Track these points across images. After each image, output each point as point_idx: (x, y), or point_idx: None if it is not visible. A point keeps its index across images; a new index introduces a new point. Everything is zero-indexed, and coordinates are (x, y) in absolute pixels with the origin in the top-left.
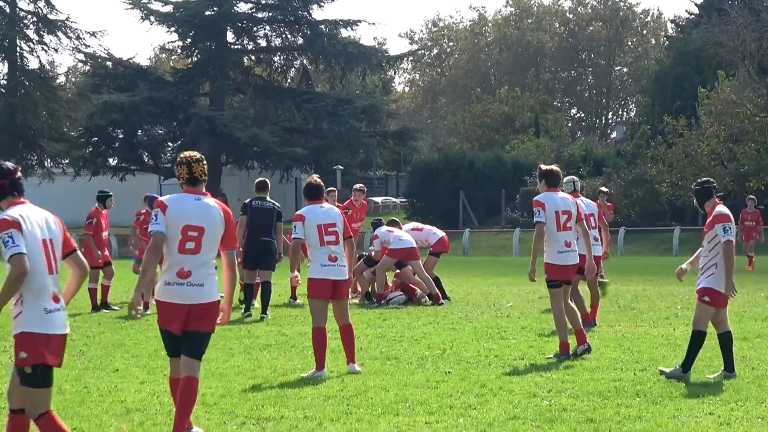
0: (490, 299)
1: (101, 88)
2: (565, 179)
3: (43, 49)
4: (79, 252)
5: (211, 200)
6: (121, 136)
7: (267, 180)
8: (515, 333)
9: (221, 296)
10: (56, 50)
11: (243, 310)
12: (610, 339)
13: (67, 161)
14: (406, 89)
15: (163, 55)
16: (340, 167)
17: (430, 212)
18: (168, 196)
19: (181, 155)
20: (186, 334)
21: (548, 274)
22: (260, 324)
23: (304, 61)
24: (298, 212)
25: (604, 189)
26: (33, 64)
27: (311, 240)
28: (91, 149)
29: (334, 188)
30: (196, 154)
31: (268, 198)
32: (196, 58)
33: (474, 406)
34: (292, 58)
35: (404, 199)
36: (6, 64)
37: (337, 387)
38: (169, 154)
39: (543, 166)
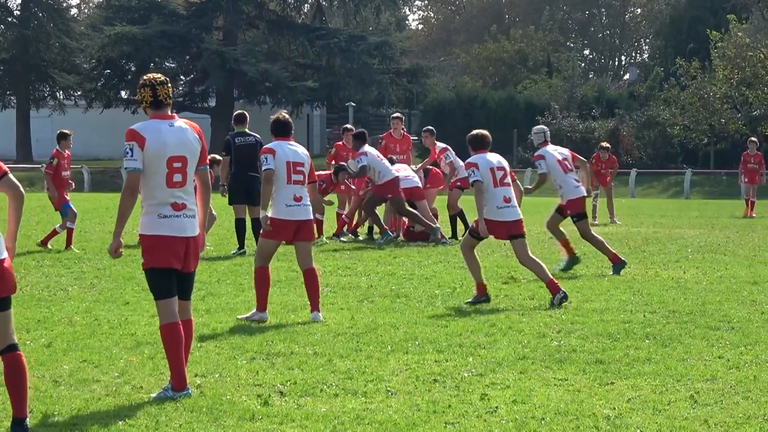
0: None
1: (114, 21)
2: (535, 129)
3: None
4: (10, 175)
5: (182, 122)
6: (133, 68)
7: (245, 112)
8: (525, 273)
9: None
10: None
11: (238, 248)
12: (620, 281)
13: (79, 93)
14: (420, 27)
15: None
16: (353, 104)
17: None
18: (139, 124)
19: (144, 77)
20: (182, 275)
21: (483, 231)
22: (273, 260)
23: None
24: (266, 146)
25: (604, 145)
26: None
27: (278, 178)
28: (103, 82)
29: (400, 115)
30: (160, 76)
31: (248, 131)
32: None
33: (483, 346)
34: None
35: (416, 137)
36: None
37: (347, 324)
38: (181, 88)
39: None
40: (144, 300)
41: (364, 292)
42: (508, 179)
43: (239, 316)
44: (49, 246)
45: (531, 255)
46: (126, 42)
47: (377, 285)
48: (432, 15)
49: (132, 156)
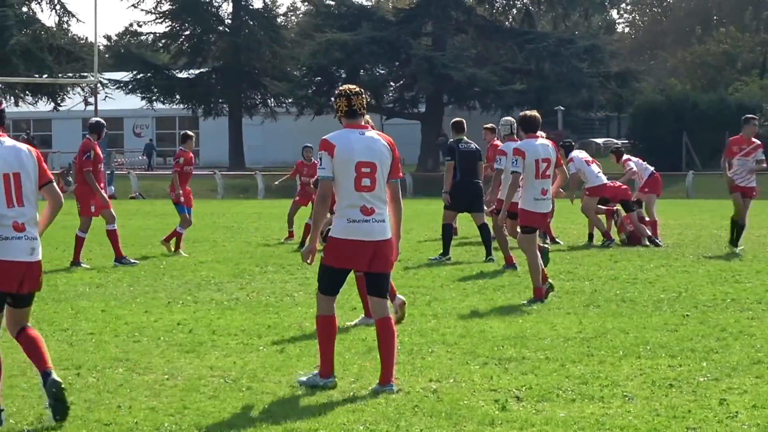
0: (720, 242)
1: (324, 28)
2: (501, 120)
3: None
4: (54, 184)
5: (374, 133)
6: (343, 75)
7: (463, 120)
8: (750, 277)
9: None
10: None
11: (441, 253)
12: None
13: (290, 100)
14: (626, 30)
15: None
16: (561, 108)
17: (651, 154)
18: (331, 134)
19: (340, 88)
20: (372, 275)
21: (522, 220)
22: (492, 264)
23: (526, 1)
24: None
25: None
26: (257, 3)
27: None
28: (313, 89)
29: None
30: (355, 87)
31: (466, 138)
32: None
33: (716, 350)
34: None
35: (625, 141)
36: (231, 4)
37: (576, 329)
38: (390, 94)
39: (523, 113)
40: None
41: (588, 297)
42: (550, 171)
43: (349, 323)
44: (182, 252)
45: (537, 251)
46: (336, 49)
47: (601, 289)
48: (638, 18)
49: (322, 165)
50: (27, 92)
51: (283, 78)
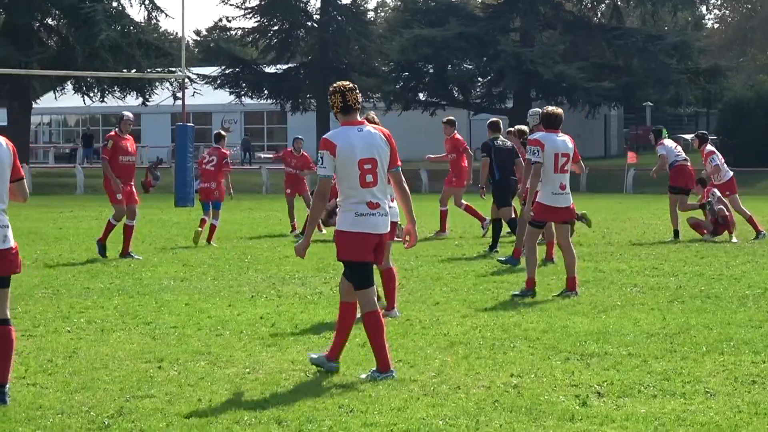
0: None
1: (412, 24)
2: (530, 111)
3: None
4: (24, 181)
5: (371, 127)
6: (431, 71)
7: (500, 120)
8: None
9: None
10: None
11: (489, 247)
12: None
13: (378, 96)
14: (716, 26)
15: None
16: (650, 104)
17: (740, 150)
18: (331, 132)
19: (335, 84)
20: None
21: (536, 214)
22: (577, 260)
23: None
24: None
25: None
26: None
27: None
28: (401, 84)
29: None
30: (349, 83)
31: (502, 137)
32: None
33: None
34: None
35: (714, 137)
36: (319, 0)
37: (659, 324)
38: (478, 90)
39: (546, 109)
40: (454, 300)
41: (673, 293)
42: (568, 167)
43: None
44: (214, 243)
45: (571, 244)
46: (424, 44)
47: (686, 285)
48: (728, 14)
49: (323, 164)
50: (116, 87)
51: (371, 73)
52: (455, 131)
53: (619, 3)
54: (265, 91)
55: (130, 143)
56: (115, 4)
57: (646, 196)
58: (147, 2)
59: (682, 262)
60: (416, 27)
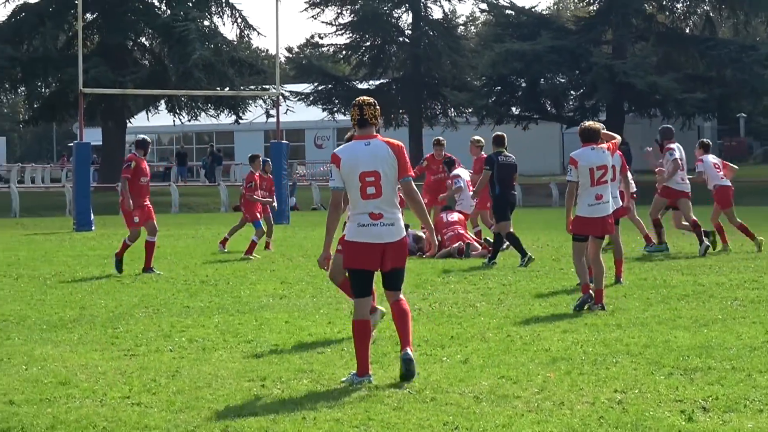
0: None
1: (504, 37)
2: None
3: None
4: None
5: (378, 142)
6: (523, 84)
7: (504, 134)
8: None
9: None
10: (459, 0)
11: (522, 257)
12: None
13: (470, 110)
14: None
15: (564, 4)
16: (743, 115)
17: None
18: (339, 148)
19: (356, 99)
20: (387, 273)
21: (574, 228)
22: (675, 273)
23: (707, 8)
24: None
25: None
26: (437, 13)
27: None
28: (494, 98)
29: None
30: (369, 98)
31: (506, 151)
32: (597, 6)
33: None
34: (694, 4)
35: None
36: (410, 15)
37: (762, 338)
38: (571, 103)
39: (583, 124)
40: (553, 316)
41: None
42: (607, 177)
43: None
44: (254, 256)
45: (601, 258)
46: (516, 58)
47: None
48: None
49: (332, 176)
50: (209, 105)
51: (463, 88)
52: (482, 152)
53: (711, 14)
54: None
55: (146, 165)
56: (207, 23)
57: (741, 208)
58: (239, 20)
59: None
60: (507, 41)
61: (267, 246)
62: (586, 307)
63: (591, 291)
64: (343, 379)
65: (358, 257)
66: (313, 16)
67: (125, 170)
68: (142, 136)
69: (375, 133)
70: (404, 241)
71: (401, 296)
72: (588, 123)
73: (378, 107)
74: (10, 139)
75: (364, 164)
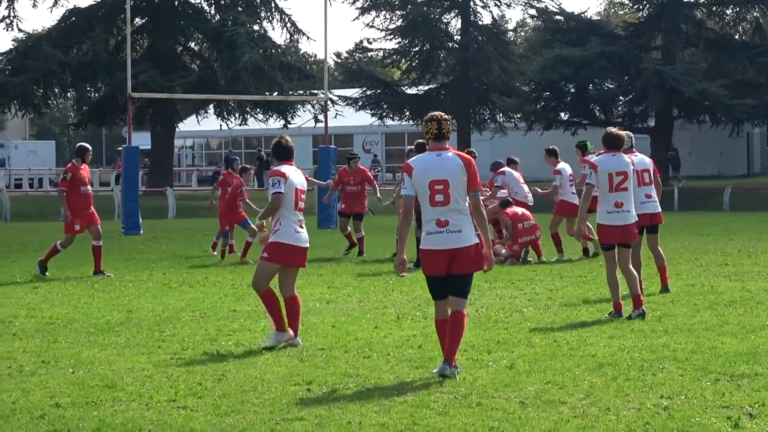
0: None
1: (553, 43)
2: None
3: (495, 4)
4: None
5: (450, 153)
6: (572, 90)
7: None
8: None
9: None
10: (508, 5)
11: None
12: None
13: (519, 116)
14: None
15: (613, 9)
16: None
17: None
18: (413, 158)
19: (432, 113)
20: (452, 278)
21: (600, 237)
22: (724, 280)
23: (757, 14)
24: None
25: None
26: (486, 19)
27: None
28: (542, 104)
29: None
30: (444, 114)
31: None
32: (647, 12)
33: None
34: (744, 10)
35: None
36: (460, 20)
37: None
38: (620, 109)
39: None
40: (599, 321)
41: None
42: (627, 184)
43: (263, 345)
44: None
45: (631, 266)
46: (564, 64)
47: None
48: None
49: (404, 185)
50: (258, 109)
51: (511, 93)
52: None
53: (761, 20)
54: (407, 112)
55: (86, 173)
56: (256, 27)
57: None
58: (288, 25)
59: None
60: (557, 47)
61: (214, 247)
62: (626, 316)
63: (621, 311)
64: (435, 370)
65: (428, 264)
66: (367, 24)
67: (61, 182)
68: (81, 143)
69: (447, 146)
70: (473, 248)
71: (464, 309)
72: (612, 129)
73: (452, 122)
74: (60, 143)
75: (434, 173)
